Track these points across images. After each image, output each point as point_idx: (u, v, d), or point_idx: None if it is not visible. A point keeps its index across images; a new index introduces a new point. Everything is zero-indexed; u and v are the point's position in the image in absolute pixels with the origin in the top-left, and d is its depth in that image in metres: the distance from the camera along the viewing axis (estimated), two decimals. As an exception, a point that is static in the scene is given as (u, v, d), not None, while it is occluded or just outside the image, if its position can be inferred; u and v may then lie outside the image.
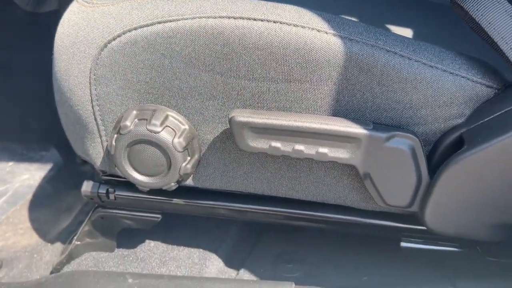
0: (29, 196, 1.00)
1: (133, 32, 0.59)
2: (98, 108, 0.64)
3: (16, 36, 1.16)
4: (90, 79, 0.62)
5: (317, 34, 0.56)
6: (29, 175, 1.07)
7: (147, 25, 0.59)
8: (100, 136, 0.66)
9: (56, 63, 0.64)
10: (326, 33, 0.56)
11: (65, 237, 0.89)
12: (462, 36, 0.76)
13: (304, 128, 0.58)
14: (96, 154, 0.68)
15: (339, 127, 0.58)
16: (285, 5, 0.59)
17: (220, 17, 0.57)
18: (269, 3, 0.60)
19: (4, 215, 0.94)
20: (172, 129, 0.62)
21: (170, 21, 0.58)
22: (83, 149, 0.69)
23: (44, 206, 0.98)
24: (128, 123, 0.61)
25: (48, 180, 1.05)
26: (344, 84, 0.58)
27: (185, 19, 0.58)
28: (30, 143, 1.14)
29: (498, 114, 0.57)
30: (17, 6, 1.12)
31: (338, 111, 0.60)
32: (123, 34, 0.59)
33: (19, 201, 1.00)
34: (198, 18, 0.58)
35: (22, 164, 1.09)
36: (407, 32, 0.78)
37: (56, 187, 1.03)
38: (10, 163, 1.10)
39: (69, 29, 0.62)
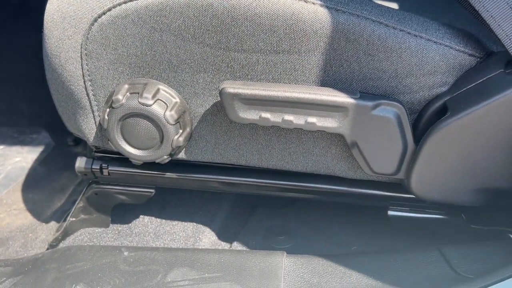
0: (21, 178, 1.01)
1: (123, 5, 0.60)
2: (90, 83, 0.65)
3: (5, 20, 1.15)
4: (81, 54, 0.63)
5: (304, 4, 0.57)
6: (21, 158, 1.07)
7: None
8: (93, 112, 0.67)
9: (46, 39, 0.64)
10: (313, 3, 0.58)
11: (60, 216, 0.90)
12: (445, 9, 0.78)
13: (293, 98, 0.59)
14: (89, 129, 0.69)
15: (327, 96, 0.59)
16: None
17: None
18: None
19: (-3, 197, 0.95)
20: (164, 102, 0.63)
21: (160, -6, 0.59)
22: (76, 125, 0.69)
23: (37, 187, 0.99)
24: (120, 96, 0.62)
25: (40, 162, 1.06)
26: (332, 54, 0.59)
27: None
28: (21, 126, 1.14)
29: (480, 81, 0.58)
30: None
31: (326, 81, 0.61)
32: (113, 8, 0.60)
33: (11, 183, 1.00)
34: (187, -10, 0.58)
35: (13, 147, 1.10)
36: (393, 6, 0.79)
37: (48, 169, 1.04)
38: (1, 147, 1.10)
39: (59, 4, 0.62)
